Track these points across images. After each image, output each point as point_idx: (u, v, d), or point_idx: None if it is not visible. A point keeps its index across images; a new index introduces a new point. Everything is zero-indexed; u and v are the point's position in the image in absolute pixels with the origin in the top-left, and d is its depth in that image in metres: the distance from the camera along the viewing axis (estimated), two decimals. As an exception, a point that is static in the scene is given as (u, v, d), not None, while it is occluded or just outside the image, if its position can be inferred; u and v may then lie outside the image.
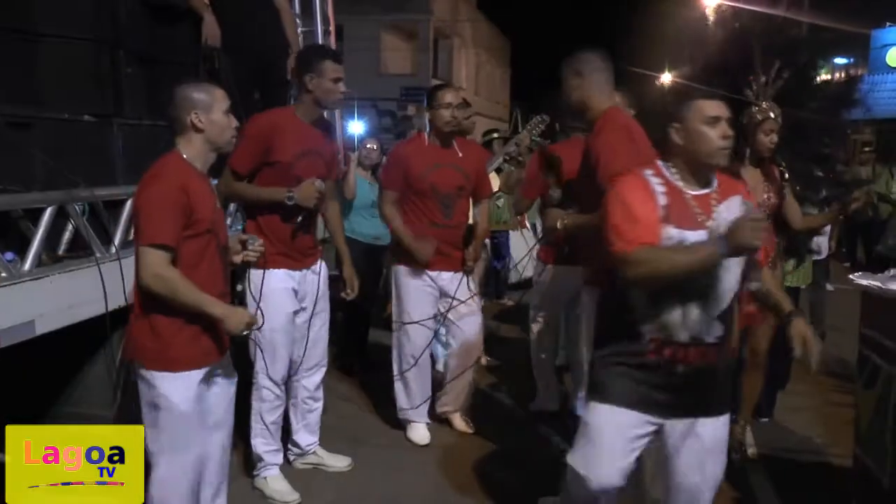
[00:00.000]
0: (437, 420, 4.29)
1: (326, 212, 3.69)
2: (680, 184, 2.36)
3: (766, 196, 3.60)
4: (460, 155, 4.01)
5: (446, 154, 3.97)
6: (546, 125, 5.24)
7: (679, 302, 2.33)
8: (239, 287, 3.69)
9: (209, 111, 2.53)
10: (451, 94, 3.96)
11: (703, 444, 2.42)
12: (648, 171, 2.39)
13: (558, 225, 3.17)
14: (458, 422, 4.28)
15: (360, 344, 5.53)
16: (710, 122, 2.30)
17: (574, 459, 2.49)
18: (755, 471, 3.79)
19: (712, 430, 2.43)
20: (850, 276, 3.23)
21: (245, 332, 2.60)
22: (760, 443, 3.99)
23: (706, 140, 2.30)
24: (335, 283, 3.75)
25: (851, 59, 18.82)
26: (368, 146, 5.59)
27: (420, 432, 4.13)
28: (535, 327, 4.59)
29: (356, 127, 21.05)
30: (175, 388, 2.49)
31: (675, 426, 2.43)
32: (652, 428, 2.44)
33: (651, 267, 2.25)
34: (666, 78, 30.47)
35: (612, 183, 2.43)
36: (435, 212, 3.95)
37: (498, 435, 4.21)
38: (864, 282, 3.06)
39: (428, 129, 4.05)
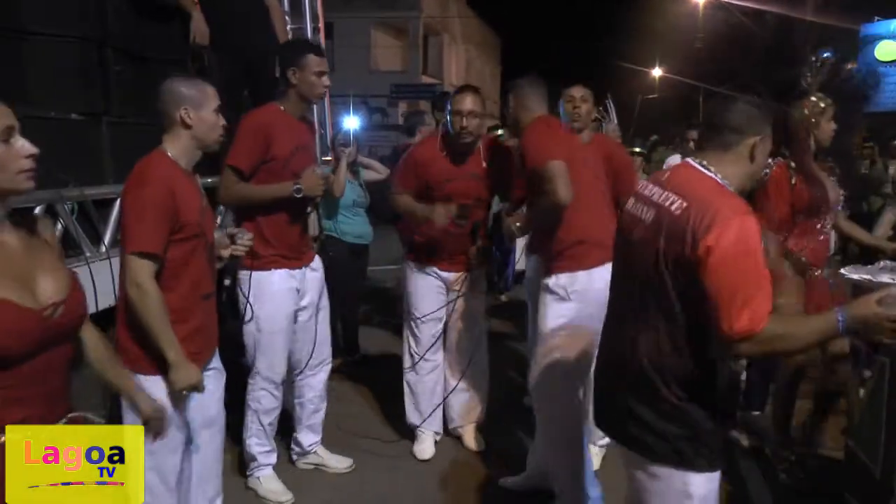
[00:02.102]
0: (449, 435, 4.14)
1: None
2: None
3: (841, 194, 3.62)
4: (483, 164, 3.77)
5: (464, 163, 3.73)
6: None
7: None
8: (226, 282, 3.67)
9: (199, 108, 2.48)
10: (469, 101, 3.64)
11: None
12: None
13: (515, 231, 3.50)
14: (469, 438, 4.07)
15: (350, 342, 5.53)
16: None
17: None
18: (747, 462, 3.81)
19: None
20: (841, 270, 3.24)
21: (184, 392, 2.46)
22: (753, 435, 4.01)
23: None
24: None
25: (838, 54, 18.90)
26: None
27: (424, 445, 3.97)
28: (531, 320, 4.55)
29: (351, 122, 20.97)
30: (161, 391, 2.45)
31: None
32: None
33: (783, 345, 1.87)
34: (656, 73, 30.69)
35: (731, 229, 1.82)
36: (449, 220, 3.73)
37: (493, 433, 4.19)
38: (855, 275, 3.07)
39: (448, 129, 3.73)
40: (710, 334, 1.87)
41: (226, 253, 2.77)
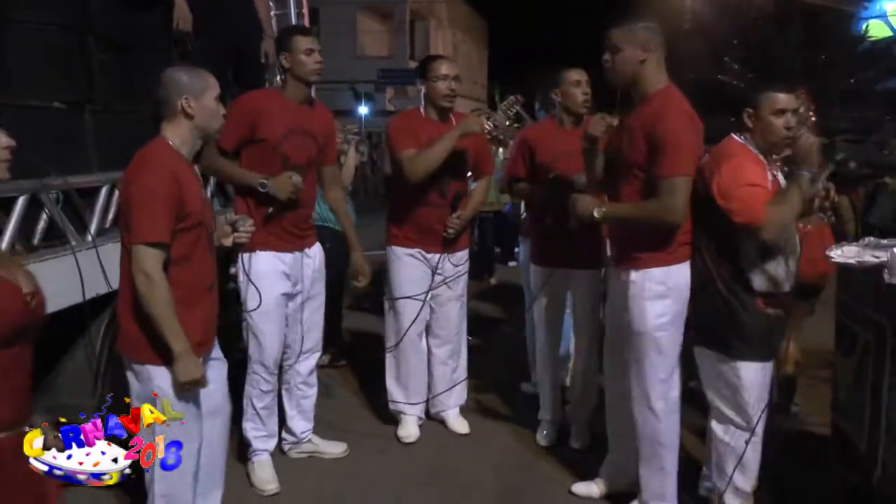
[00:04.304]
0: (432, 419, 4.11)
1: (330, 198, 3.75)
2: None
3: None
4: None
5: (443, 131, 3.69)
6: (521, 105, 5.20)
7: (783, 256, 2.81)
8: (232, 270, 3.67)
9: (200, 97, 2.47)
10: (446, 65, 3.74)
11: None
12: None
13: (595, 213, 2.89)
14: (454, 422, 4.07)
15: (333, 329, 5.52)
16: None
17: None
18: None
19: None
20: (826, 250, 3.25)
21: (186, 386, 2.45)
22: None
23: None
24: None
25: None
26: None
27: (408, 428, 3.96)
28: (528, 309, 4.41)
29: (362, 110, 21.18)
30: (166, 381, 2.44)
31: None
32: None
33: (784, 218, 2.69)
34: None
35: (724, 162, 2.72)
36: (429, 190, 3.75)
37: (485, 415, 4.21)
38: (839, 251, 3.09)
39: (423, 103, 3.82)
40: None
41: (228, 242, 2.76)
